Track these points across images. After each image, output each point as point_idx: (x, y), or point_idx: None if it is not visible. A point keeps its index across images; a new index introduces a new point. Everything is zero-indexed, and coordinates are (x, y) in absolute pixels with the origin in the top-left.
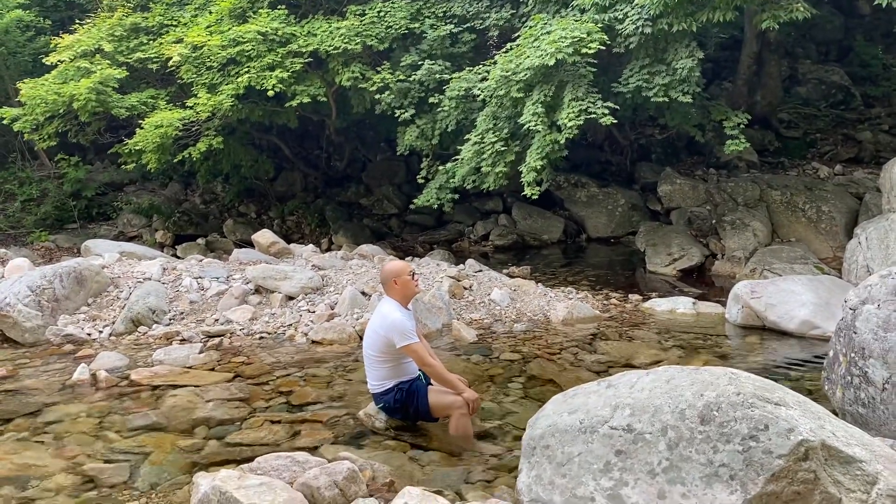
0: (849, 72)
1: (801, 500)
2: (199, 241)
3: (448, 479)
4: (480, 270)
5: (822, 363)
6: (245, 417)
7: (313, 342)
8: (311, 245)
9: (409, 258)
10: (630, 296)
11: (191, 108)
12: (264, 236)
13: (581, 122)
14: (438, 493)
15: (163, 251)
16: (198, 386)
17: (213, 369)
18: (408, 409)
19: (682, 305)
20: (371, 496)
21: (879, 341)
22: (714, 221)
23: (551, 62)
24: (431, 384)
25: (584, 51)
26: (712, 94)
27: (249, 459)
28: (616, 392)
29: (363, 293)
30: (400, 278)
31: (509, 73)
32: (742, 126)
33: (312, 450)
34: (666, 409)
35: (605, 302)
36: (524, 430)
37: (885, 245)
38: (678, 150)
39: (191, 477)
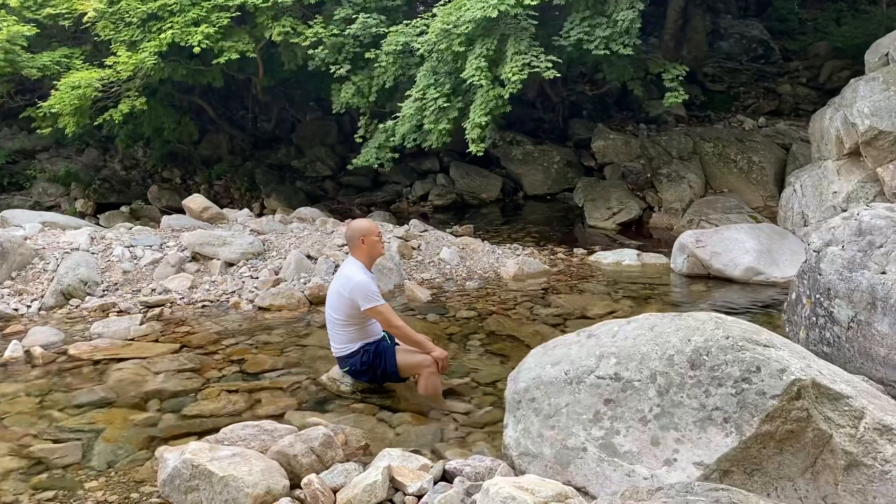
0: (767, 26)
1: (794, 439)
2: (123, 208)
3: (422, 438)
4: (426, 230)
5: (767, 307)
6: (199, 388)
7: (260, 309)
8: (245, 209)
9: (349, 221)
10: (575, 250)
11: (110, 67)
12: (195, 201)
13: (525, 77)
14: (416, 452)
15: (84, 220)
16: (143, 358)
17: (157, 340)
18: (375, 371)
19: (627, 257)
20: (348, 460)
21: (845, 281)
22: (649, 175)
23: (493, 14)
24: (398, 344)
25: (525, 2)
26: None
27: (211, 431)
28: (598, 341)
29: (309, 257)
30: (367, 238)
31: (450, 27)
32: (680, 78)
33: (277, 417)
34: (653, 355)
35: (551, 257)
36: (490, 385)
37: (819, 192)
38: (608, 107)
39: (150, 452)
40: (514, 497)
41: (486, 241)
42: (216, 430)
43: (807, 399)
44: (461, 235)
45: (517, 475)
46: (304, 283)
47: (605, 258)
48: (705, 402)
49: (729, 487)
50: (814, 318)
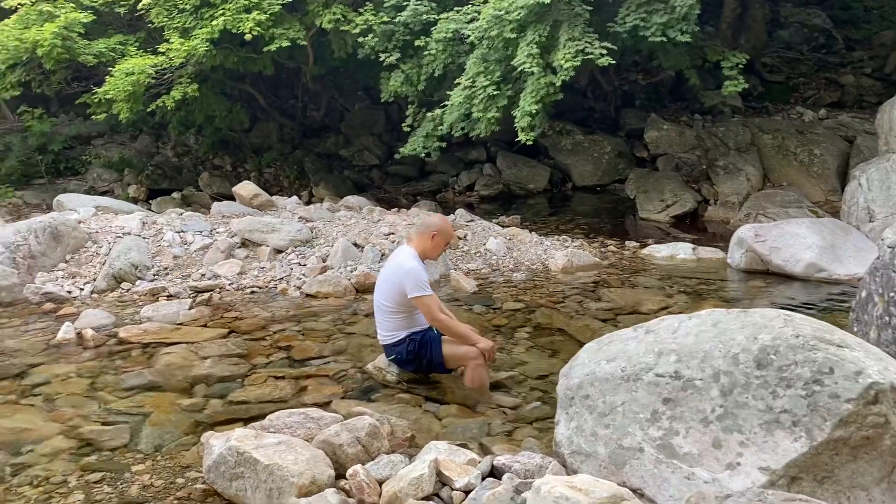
0: (830, 15)
1: (869, 446)
2: (175, 195)
3: (468, 432)
4: (472, 220)
5: (832, 306)
6: (246, 374)
7: (307, 296)
8: (294, 197)
9: (395, 210)
10: (626, 242)
11: (163, 53)
12: (246, 188)
13: (578, 64)
14: (463, 446)
15: (136, 206)
16: (192, 343)
17: (205, 325)
18: (420, 361)
19: (682, 251)
20: (393, 452)
21: None
22: (705, 167)
23: (547, 0)
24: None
25: None
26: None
27: (257, 417)
28: (657, 338)
29: (356, 245)
30: (438, 238)
31: (502, 13)
32: (740, 66)
33: (323, 405)
34: (716, 353)
35: (602, 249)
36: (539, 379)
37: (887, 186)
38: (662, 96)
39: (196, 437)
40: (567, 497)
41: (533, 233)
42: (262, 416)
43: (885, 404)
44: (508, 226)
45: (569, 474)
46: (351, 271)
47: (659, 252)
48: (772, 403)
49: (807, 498)
50: (886, 318)
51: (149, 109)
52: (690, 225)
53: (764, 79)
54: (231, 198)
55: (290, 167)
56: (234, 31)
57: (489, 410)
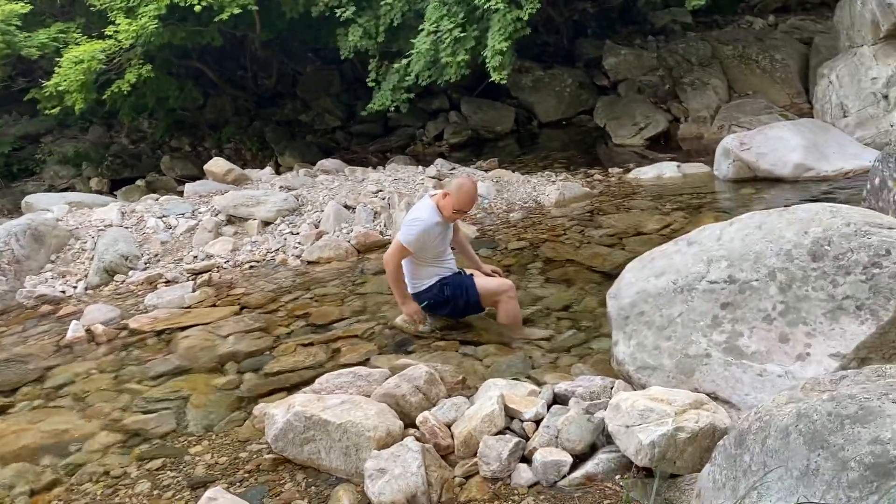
0: None
1: None
2: (139, 182)
3: (514, 367)
4: (454, 168)
5: (827, 199)
6: (272, 346)
7: (309, 263)
8: (268, 168)
9: (371, 168)
10: (610, 170)
11: (110, 37)
12: (218, 165)
13: None
14: (515, 380)
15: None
16: (207, 323)
17: (214, 305)
18: (457, 303)
19: (667, 170)
20: (450, 396)
21: None
22: (669, 86)
23: None
24: (473, 275)
25: None
26: None
27: (299, 385)
28: (702, 247)
29: (346, 206)
30: (451, 196)
31: None
32: None
33: (363, 363)
34: (768, 253)
35: (587, 179)
36: (563, 310)
37: (857, 80)
38: (613, 22)
39: (244, 412)
40: (651, 409)
41: (516, 173)
42: (304, 383)
43: None
44: (489, 169)
45: (636, 389)
46: (348, 233)
47: (645, 174)
48: (833, 292)
49: None
50: None
51: (104, 97)
52: (665, 145)
53: None
54: (196, 178)
55: (250, 139)
56: (182, 4)
57: (525, 345)
